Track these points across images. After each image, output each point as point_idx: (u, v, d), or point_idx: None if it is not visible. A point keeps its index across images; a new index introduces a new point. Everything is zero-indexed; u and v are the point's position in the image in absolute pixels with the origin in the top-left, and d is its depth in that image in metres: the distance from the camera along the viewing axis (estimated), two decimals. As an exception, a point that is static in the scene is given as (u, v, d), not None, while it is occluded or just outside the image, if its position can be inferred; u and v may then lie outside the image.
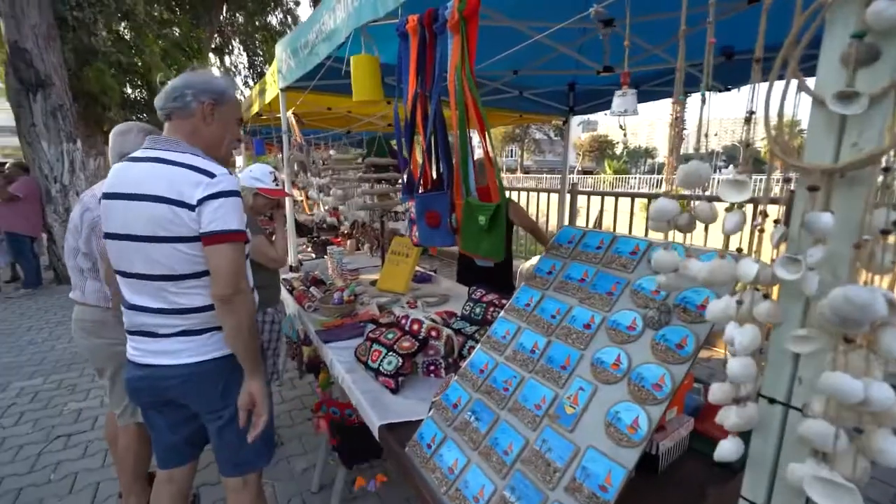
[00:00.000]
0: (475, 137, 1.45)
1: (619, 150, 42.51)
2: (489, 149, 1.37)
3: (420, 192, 1.66)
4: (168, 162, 1.23)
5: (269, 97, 3.49)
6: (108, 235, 1.28)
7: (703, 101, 0.74)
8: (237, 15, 13.11)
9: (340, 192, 3.18)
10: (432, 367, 1.64)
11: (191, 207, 1.18)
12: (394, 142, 2.86)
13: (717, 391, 0.69)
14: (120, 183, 1.25)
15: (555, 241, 1.37)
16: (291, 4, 13.40)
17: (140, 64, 9.17)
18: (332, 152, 3.58)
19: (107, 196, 1.27)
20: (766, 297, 0.64)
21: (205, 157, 1.28)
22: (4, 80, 6.35)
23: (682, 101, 0.78)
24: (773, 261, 0.61)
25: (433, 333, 1.64)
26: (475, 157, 1.59)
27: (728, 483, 1.08)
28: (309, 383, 3.23)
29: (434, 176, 1.62)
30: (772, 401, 0.66)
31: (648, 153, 50.60)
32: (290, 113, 3.21)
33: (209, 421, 1.38)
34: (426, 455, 1.14)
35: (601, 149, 41.88)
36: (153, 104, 1.33)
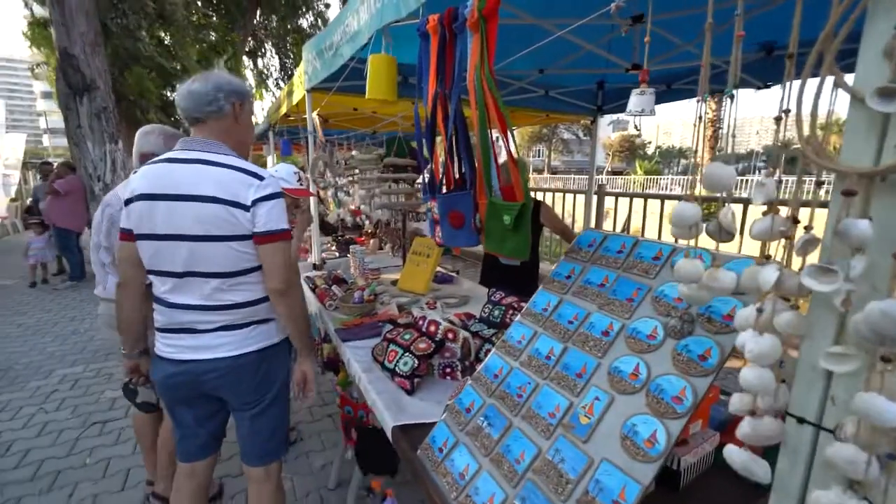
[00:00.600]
0: (498, 137, 1.43)
1: (650, 149, 41.34)
2: (512, 148, 1.35)
3: (443, 192, 1.65)
4: (213, 164, 1.26)
5: (296, 98, 3.56)
6: (144, 236, 1.28)
7: (732, 98, 0.70)
8: (270, 18, 13.46)
9: (364, 191, 3.20)
10: (448, 370, 1.62)
11: (245, 208, 1.23)
12: (414, 142, 2.86)
13: (737, 402, 0.65)
14: (161, 184, 1.25)
15: (575, 245, 1.33)
16: (322, 7, 13.67)
17: (179, 67, 9.56)
18: (354, 153, 3.62)
19: (145, 197, 1.25)
20: (795, 307, 0.60)
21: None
22: (55, 85, 6.75)
23: (706, 98, 0.73)
24: (801, 269, 0.56)
25: (450, 335, 1.63)
26: (500, 158, 1.57)
27: (755, 502, 1.02)
28: (329, 380, 3.27)
29: (457, 176, 1.61)
30: (801, 420, 0.62)
31: (682, 153, 48.97)
32: (314, 113, 3.26)
33: (242, 411, 1.42)
34: (437, 459, 1.13)
35: (632, 149, 40.83)
36: None
